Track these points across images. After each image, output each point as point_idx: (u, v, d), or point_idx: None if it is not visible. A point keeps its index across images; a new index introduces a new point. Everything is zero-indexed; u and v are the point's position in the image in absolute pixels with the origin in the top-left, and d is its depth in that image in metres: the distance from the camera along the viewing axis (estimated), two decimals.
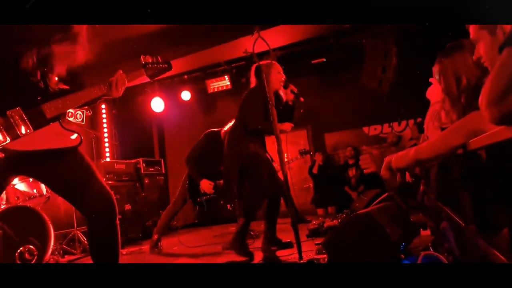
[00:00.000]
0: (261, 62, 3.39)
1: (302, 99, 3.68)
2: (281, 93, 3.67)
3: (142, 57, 2.26)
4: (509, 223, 1.92)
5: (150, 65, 2.18)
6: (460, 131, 1.20)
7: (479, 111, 1.02)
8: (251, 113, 3.40)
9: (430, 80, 2.39)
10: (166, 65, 2.24)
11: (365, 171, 2.14)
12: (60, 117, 1.79)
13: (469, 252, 1.71)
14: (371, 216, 2.28)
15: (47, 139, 1.73)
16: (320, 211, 7.11)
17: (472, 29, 1.37)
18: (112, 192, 1.92)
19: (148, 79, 3.26)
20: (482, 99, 0.86)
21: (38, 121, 1.71)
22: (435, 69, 1.99)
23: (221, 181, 4.43)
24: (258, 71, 3.48)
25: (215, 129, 4.56)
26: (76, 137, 1.80)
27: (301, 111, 3.89)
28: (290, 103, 3.69)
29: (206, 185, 4.32)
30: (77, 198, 1.85)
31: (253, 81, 3.67)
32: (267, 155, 3.66)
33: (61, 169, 1.78)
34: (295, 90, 3.62)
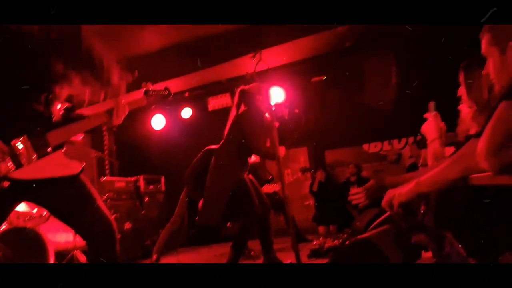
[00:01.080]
0: (250, 88, 3.50)
1: (296, 110, 3.77)
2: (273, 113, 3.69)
3: (143, 84, 2.29)
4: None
5: (151, 92, 2.21)
6: (458, 166, 1.20)
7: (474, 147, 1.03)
8: (255, 137, 3.42)
9: (425, 116, 2.40)
10: (166, 92, 2.27)
11: (359, 205, 2.13)
12: (63, 145, 1.82)
13: None
14: (371, 241, 2.27)
15: (50, 167, 1.76)
16: (321, 229, 7.06)
17: (483, 43, 1.37)
18: (112, 218, 1.93)
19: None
20: (480, 151, 0.87)
21: (42, 150, 1.74)
22: (461, 78, 2.00)
23: None
24: (244, 95, 3.57)
25: (214, 146, 4.56)
26: (78, 165, 1.82)
27: (301, 124, 3.95)
28: (286, 117, 3.76)
29: None
30: (77, 223, 1.88)
31: (240, 106, 3.71)
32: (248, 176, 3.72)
33: (62, 196, 1.81)
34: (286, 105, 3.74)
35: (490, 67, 1.33)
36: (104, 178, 5.68)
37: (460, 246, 1.83)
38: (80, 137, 5.27)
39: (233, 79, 6.94)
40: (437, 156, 2.27)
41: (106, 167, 7.21)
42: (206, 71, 6.36)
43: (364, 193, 2.20)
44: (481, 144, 0.88)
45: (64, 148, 1.82)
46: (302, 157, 7.96)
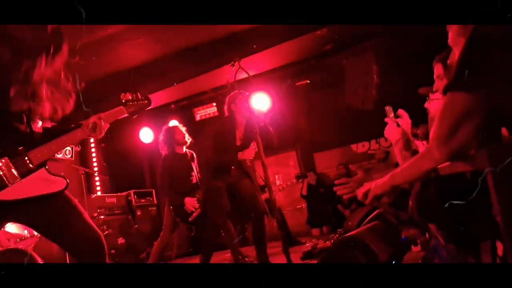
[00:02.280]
0: (228, 97, 3.75)
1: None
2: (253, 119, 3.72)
3: (122, 95, 2.30)
4: (490, 236, 1.97)
5: (130, 103, 2.22)
6: (428, 158, 1.25)
7: None
8: (205, 149, 3.70)
9: (386, 120, 2.43)
10: (146, 101, 2.28)
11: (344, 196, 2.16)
12: (46, 163, 1.82)
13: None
14: (358, 237, 2.32)
15: (34, 186, 1.76)
16: (315, 231, 7.10)
17: (450, 34, 1.41)
18: (100, 233, 1.94)
19: None
20: (431, 141, 0.93)
21: (25, 170, 1.74)
22: (438, 70, 2.04)
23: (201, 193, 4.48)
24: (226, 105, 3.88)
25: (167, 153, 4.64)
26: (62, 181, 1.83)
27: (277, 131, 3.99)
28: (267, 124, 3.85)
29: (190, 202, 4.34)
30: (65, 241, 1.88)
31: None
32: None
33: (48, 213, 1.81)
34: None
35: (456, 58, 1.38)
36: (95, 195, 5.67)
37: (440, 235, 1.90)
38: (68, 155, 5.21)
39: (217, 88, 6.99)
40: (404, 155, 2.30)
41: (97, 184, 7.19)
42: (190, 82, 6.40)
43: (350, 185, 2.23)
44: (431, 134, 0.93)
45: (47, 166, 1.83)
46: (291, 161, 8.01)
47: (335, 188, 1.97)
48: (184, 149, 4.63)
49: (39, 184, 1.77)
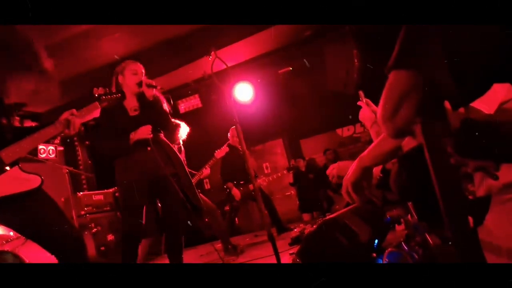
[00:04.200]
0: (117, 67, 3.08)
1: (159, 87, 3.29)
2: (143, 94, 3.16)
3: (94, 90, 2.29)
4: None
5: (103, 97, 2.22)
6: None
7: None
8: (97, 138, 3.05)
9: (359, 103, 2.47)
10: (119, 95, 2.28)
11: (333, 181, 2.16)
12: (18, 162, 1.82)
13: (424, 246, 1.80)
14: (339, 219, 2.35)
15: (8, 184, 1.75)
16: (306, 216, 7.18)
17: None
18: (79, 231, 1.94)
19: None
20: (378, 117, 0.95)
21: None
22: None
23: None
24: (112, 80, 3.04)
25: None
26: (37, 178, 1.82)
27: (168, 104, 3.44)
28: (151, 99, 3.18)
29: None
30: (44, 239, 1.88)
31: None
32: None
33: (24, 212, 1.81)
34: (153, 83, 3.18)
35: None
36: (81, 193, 5.63)
37: (414, 213, 1.94)
38: (52, 154, 5.15)
39: (200, 79, 6.96)
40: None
41: (83, 182, 7.15)
42: (172, 74, 6.36)
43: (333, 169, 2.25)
44: (378, 111, 0.96)
45: (20, 164, 1.82)
46: (278, 148, 8.05)
47: (327, 172, 1.99)
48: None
49: (14, 182, 1.77)
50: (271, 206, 5.65)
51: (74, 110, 2.02)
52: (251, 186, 5.38)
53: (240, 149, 4.80)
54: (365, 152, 1.43)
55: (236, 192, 5.36)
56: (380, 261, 2.30)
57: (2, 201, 1.75)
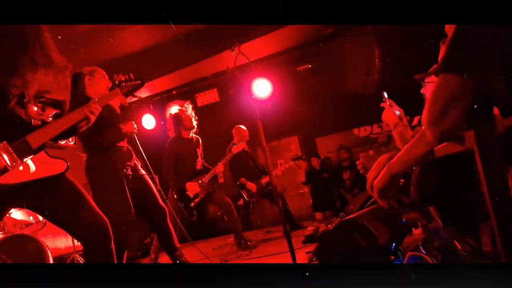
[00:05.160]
0: (83, 70, 3.06)
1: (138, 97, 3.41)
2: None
3: (114, 76, 2.32)
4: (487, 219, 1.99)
5: (124, 83, 2.24)
6: (422, 142, 1.26)
7: None
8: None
9: (382, 105, 2.45)
10: (139, 81, 2.30)
11: (361, 171, 2.17)
12: (45, 146, 1.84)
13: (449, 251, 1.78)
14: (358, 220, 2.35)
15: (35, 169, 1.78)
16: (318, 215, 7.16)
17: (447, 29, 1.41)
18: (105, 218, 1.96)
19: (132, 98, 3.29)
20: (423, 120, 0.94)
21: (24, 153, 1.75)
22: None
23: (205, 179, 4.49)
24: (76, 80, 2.99)
25: (174, 136, 4.67)
26: (62, 163, 1.84)
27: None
28: (126, 104, 3.29)
29: (191, 187, 4.39)
30: (68, 224, 1.90)
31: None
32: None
33: (50, 196, 1.83)
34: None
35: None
36: None
37: (438, 217, 1.92)
38: (72, 142, 5.23)
39: (219, 73, 6.97)
40: (405, 138, 2.33)
41: None
42: (191, 67, 6.38)
43: (362, 160, 2.25)
44: (424, 114, 0.94)
45: (46, 148, 1.84)
46: (293, 146, 8.03)
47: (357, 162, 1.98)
48: (191, 134, 4.66)
49: (40, 167, 1.79)
50: (283, 202, 5.66)
51: (95, 99, 2.04)
52: (262, 181, 5.41)
53: (246, 148, 4.83)
54: (395, 158, 1.41)
55: (252, 185, 5.36)
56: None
57: (29, 186, 1.77)
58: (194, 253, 3.89)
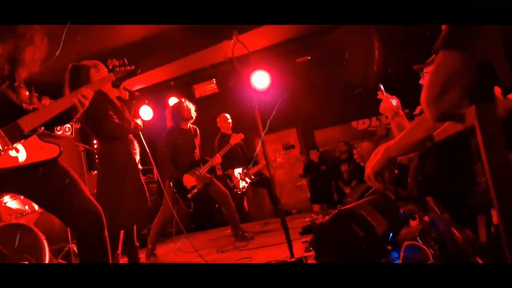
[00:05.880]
0: (83, 63, 3.07)
1: (137, 93, 3.49)
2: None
3: (109, 61, 2.30)
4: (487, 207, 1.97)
5: (117, 68, 2.22)
6: (421, 127, 1.24)
7: None
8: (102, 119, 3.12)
9: (379, 96, 2.45)
10: (133, 67, 2.28)
11: (361, 164, 2.17)
12: (37, 130, 1.80)
13: (447, 241, 1.77)
14: (355, 210, 2.33)
15: (27, 153, 1.74)
16: (316, 207, 7.17)
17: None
18: (99, 206, 1.93)
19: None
20: (422, 99, 0.91)
21: (16, 137, 1.72)
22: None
23: (202, 170, 4.48)
24: (79, 72, 3.00)
25: (172, 126, 4.66)
26: (55, 148, 1.81)
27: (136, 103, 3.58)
28: (128, 100, 3.39)
29: (189, 178, 4.37)
30: (62, 211, 1.87)
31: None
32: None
33: (44, 182, 1.80)
34: (128, 87, 3.38)
35: None
36: (95, 172, 5.67)
37: (436, 207, 1.90)
38: (68, 132, 5.18)
39: (217, 64, 6.93)
40: (402, 128, 2.32)
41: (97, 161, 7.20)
42: (190, 58, 6.34)
43: (358, 151, 2.25)
44: (422, 94, 0.92)
45: (39, 132, 1.81)
46: (292, 138, 8.01)
47: (354, 151, 1.97)
48: (189, 125, 4.64)
49: (33, 151, 1.75)
50: (272, 190, 5.68)
51: (67, 83, 2.01)
52: (251, 171, 5.41)
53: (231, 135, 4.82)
54: (392, 141, 1.40)
55: (236, 179, 5.39)
56: (396, 255, 2.28)
57: (21, 170, 1.74)
58: (191, 244, 3.87)
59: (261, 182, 5.56)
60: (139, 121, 3.40)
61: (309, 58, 7.08)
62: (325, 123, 7.71)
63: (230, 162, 5.45)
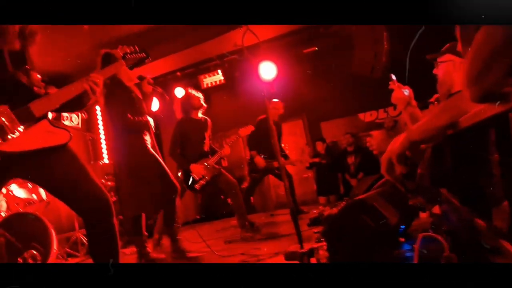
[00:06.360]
0: (109, 50, 3.11)
1: (160, 89, 3.71)
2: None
3: (119, 48, 2.28)
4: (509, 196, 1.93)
5: (128, 55, 2.19)
6: (446, 113, 1.20)
7: (461, 93, 1.03)
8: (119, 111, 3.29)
9: (391, 86, 2.40)
10: (144, 54, 2.24)
11: (374, 151, 2.14)
12: (47, 115, 1.78)
13: (466, 232, 1.73)
14: (368, 201, 2.30)
15: (37, 138, 1.72)
16: (322, 199, 7.14)
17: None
18: (107, 192, 1.92)
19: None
20: (463, 79, 0.87)
21: (27, 120, 1.69)
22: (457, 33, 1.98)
23: (211, 161, 4.46)
24: (109, 58, 3.00)
25: (182, 117, 4.63)
26: (66, 134, 1.78)
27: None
28: (149, 94, 3.63)
29: (196, 169, 4.35)
30: (71, 197, 1.85)
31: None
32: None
33: (53, 167, 1.77)
34: (151, 81, 3.59)
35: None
36: (102, 162, 5.68)
37: (453, 198, 1.86)
38: (75, 121, 5.16)
39: (224, 55, 6.87)
40: (415, 118, 2.28)
41: (103, 152, 7.21)
42: (195, 48, 6.29)
43: (371, 140, 2.22)
44: (464, 72, 0.87)
45: (50, 117, 1.78)
46: (298, 129, 7.96)
47: (367, 139, 1.95)
48: (200, 114, 4.60)
49: (43, 136, 1.72)
50: (291, 186, 5.61)
51: (98, 68, 1.98)
52: (275, 164, 5.32)
53: (274, 127, 4.76)
54: (415, 125, 1.36)
55: (260, 160, 5.26)
56: (408, 246, 2.25)
57: (31, 155, 1.71)
58: (197, 235, 3.86)
59: (279, 175, 5.51)
60: (150, 120, 3.51)
61: (316, 49, 7.02)
62: (332, 115, 7.64)
63: (255, 146, 5.39)
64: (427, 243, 2.02)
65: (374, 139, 2.07)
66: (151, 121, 3.50)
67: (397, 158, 1.36)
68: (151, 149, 3.41)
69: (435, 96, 2.68)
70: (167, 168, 3.42)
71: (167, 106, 4.58)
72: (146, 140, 3.42)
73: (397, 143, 1.36)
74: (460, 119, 1.12)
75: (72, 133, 1.83)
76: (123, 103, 3.25)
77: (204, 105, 4.58)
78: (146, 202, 3.40)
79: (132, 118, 3.27)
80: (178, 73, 7.37)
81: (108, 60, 2.91)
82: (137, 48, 2.25)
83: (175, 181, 3.44)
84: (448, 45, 2.46)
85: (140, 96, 3.38)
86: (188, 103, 4.54)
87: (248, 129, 4.87)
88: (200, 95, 4.60)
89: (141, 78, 3.43)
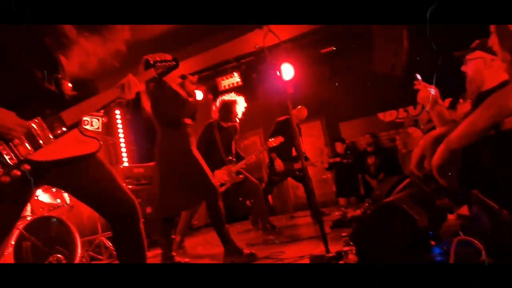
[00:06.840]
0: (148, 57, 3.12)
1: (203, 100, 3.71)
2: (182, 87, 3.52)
3: (150, 57, 2.29)
4: None
5: (159, 64, 2.20)
6: (486, 114, 1.16)
7: (503, 90, 0.98)
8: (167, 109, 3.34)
9: (416, 86, 2.35)
10: (173, 62, 2.26)
11: (403, 150, 2.10)
12: (78, 124, 1.79)
13: (505, 235, 1.67)
14: (397, 204, 2.24)
15: (68, 147, 1.73)
16: (342, 201, 7.07)
17: None
18: (134, 198, 1.92)
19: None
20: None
21: (58, 130, 1.71)
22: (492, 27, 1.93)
23: (233, 168, 4.43)
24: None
25: (213, 120, 4.60)
26: (95, 142, 1.80)
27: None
28: (192, 93, 3.55)
29: (219, 175, 4.33)
30: (100, 204, 1.86)
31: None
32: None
33: (82, 175, 1.79)
34: (194, 80, 3.56)
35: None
36: (122, 165, 5.72)
37: (489, 201, 1.80)
38: (96, 125, 5.22)
39: (240, 57, 6.87)
40: (443, 117, 2.22)
41: (123, 155, 7.27)
42: (213, 51, 6.29)
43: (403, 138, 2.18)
44: None
45: (80, 126, 1.80)
46: (315, 130, 7.90)
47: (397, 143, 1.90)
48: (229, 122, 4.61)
49: (73, 145, 1.74)
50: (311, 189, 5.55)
51: (130, 75, 1.99)
52: (295, 165, 5.28)
53: (297, 129, 4.75)
54: (454, 133, 1.31)
55: (279, 163, 5.22)
56: (438, 250, 2.19)
57: (62, 163, 1.72)
58: (217, 239, 3.84)
59: (298, 179, 5.45)
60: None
61: (334, 48, 6.95)
62: (351, 115, 7.56)
63: (276, 148, 5.36)
64: (461, 247, 1.96)
65: (406, 136, 2.02)
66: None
67: (438, 171, 1.31)
68: (194, 151, 3.39)
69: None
70: (208, 171, 3.37)
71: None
72: (191, 142, 3.42)
73: (436, 155, 1.31)
74: (505, 120, 1.07)
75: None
76: (170, 104, 3.29)
77: (237, 119, 4.56)
78: (180, 204, 3.41)
79: (178, 117, 3.32)
80: (196, 76, 7.40)
81: (147, 66, 2.94)
82: (167, 57, 2.28)
83: (215, 184, 3.37)
84: (477, 41, 2.39)
85: (186, 96, 3.37)
86: (226, 112, 4.53)
87: (277, 140, 4.77)
88: (241, 110, 4.58)
89: (183, 77, 3.42)
